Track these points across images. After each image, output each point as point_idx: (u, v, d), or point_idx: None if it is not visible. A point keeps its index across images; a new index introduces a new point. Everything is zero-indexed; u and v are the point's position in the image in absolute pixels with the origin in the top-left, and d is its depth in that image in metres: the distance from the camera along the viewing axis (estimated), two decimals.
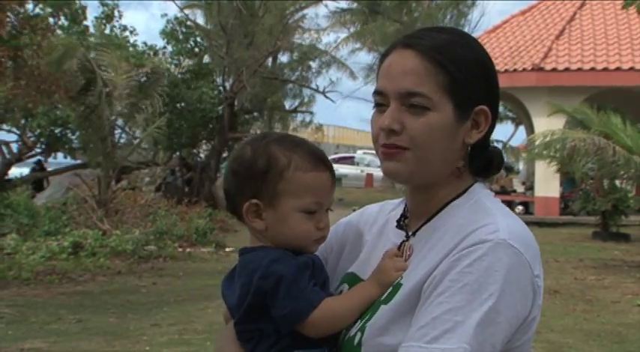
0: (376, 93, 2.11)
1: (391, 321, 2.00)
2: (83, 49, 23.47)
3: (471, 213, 2.05)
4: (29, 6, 20.65)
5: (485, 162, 2.16)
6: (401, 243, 2.17)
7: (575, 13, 30.95)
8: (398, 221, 2.23)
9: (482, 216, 2.02)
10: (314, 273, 2.15)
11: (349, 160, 53.15)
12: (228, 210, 2.29)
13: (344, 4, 45.78)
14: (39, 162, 31.11)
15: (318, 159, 2.22)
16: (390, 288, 2.06)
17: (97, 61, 23.97)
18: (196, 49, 34.92)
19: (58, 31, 24.54)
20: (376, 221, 2.34)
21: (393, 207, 2.33)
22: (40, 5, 21.84)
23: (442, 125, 2.03)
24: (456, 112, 2.04)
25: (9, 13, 19.50)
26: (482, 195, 2.13)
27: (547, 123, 23.25)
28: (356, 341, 2.04)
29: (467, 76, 2.05)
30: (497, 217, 2.01)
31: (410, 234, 2.16)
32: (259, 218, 2.19)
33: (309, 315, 2.05)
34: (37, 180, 31.21)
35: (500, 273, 1.89)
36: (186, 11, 36.63)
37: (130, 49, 29.49)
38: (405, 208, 2.25)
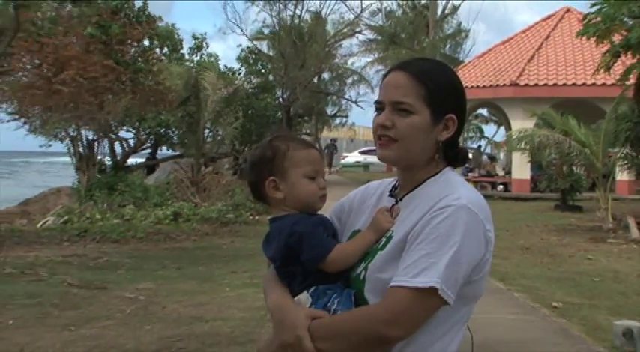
0: (377, 102, 2.25)
1: (385, 262, 2.11)
2: (195, 75, 23.99)
3: (441, 186, 2.16)
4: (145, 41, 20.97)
5: (454, 156, 2.27)
6: (392, 206, 2.27)
7: (542, 43, 30.66)
8: (390, 191, 2.35)
9: (449, 188, 2.13)
10: (325, 227, 2.26)
11: (375, 152, 52.88)
12: (254, 196, 2.38)
13: (371, 36, 45.60)
14: (152, 153, 31.39)
15: (307, 142, 2.40)
16: (384, 239, 2.17)
17: (200, 79, 24.34)
18: (262, 70, 35.07)
19: (162, 58, 24.72)
20: (376, 192, 2.44)
21: (388, 182, 2.42)
22: (151, 39, 22.06)
23: (421, 125, 2.16)
24: (432, 117, 2.17)
25: (130, 46, 19.81)
26: (450, 175, 2.24)
27: (521, 124, 23.07)
28: (361, 277, 2.16)
29: (440, 93, 2.18)
30: (459, 189, 2.13)
31: (398, 200, 2.27)
32: (278, 190, 2.28)
33: (327, 257, 2.15)
34: (150, 166, 31.48)
35: (461, 228, 2.02)
36: (255, 42, 36.72)
37: (215, 71, 29.61)
38: (396, 183, 2.35)
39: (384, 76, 2.29)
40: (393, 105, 2.17)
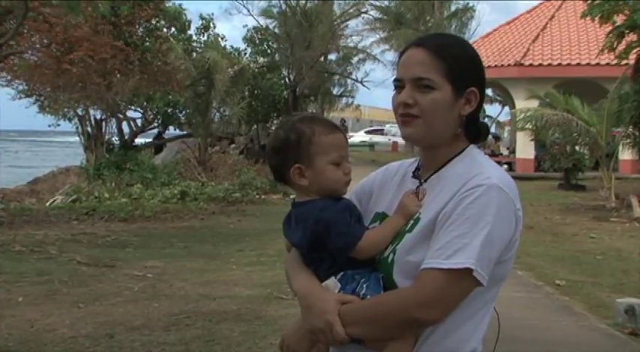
0: (396, 80, 2.16)
1: (414, 245, 2.05)
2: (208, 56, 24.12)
3: (468, 166, 2.09)
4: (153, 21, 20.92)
5: (476, 131, 2.20)
6: (416, 188, 2.19)
7: (546, 24, 30.53)
8: (413, 172, 2.26)
9: (477, 167, 2.07)
10: (351, 213, 2.17)
11: (380, 132, 52.92)
12: (277, 179, 2.29)
13: (377, 16, 45.34)
14: (160, 133, 31.43)
15: (332, 125, 2.26)
16: (412, 221, 2.10)
17: (208, 59, 24.37)
18: (268, 51, 34.96)
19: (170, 38, 24.65)
20: (397, 173, 2.34)
21: (408, 164, 2.34)
22: (158, 19, 22.01)
23: (443, 100, 2.08)
24: (453, 92, 2.10)
25: (138, 26, 19.77)
26: (475, 153, 2.17)
27: (525, 104, 23.02)
28: (389, 259, 2.09)
29: (460, 67, 2.11)
30: (488, 168, 2.07)
31: (423, 181, 2.19)
32: (303, 177, 2.18)
33: (356, 245, 2.08)
34: (158, 146, 31.52)
35: (493, 208, 1.96)
36: (262, 22, 36.64)
37: (222, 51, 29.53)
38: (418, 163, 2.27)
39: (401, 53, 2.21)
40: (413, 82, 2.09)
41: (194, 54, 27.55)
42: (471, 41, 36.26)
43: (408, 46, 2.20)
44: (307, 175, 2.18)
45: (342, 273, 2.11)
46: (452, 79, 2.09)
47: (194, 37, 30.34)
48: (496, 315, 2.22)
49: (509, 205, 2.00)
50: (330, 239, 2.09)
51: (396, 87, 2.16)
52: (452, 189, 2.04)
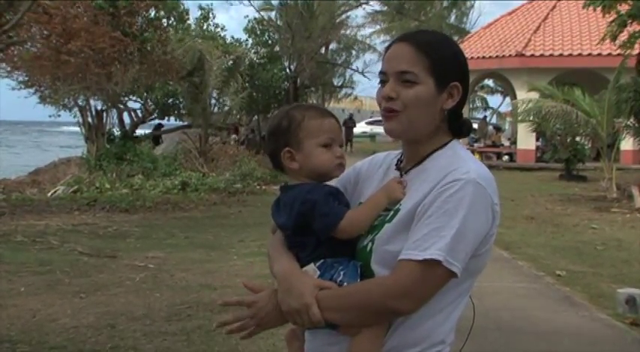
0: (381, 73, 2.22)
1: (393, 235, 2.10)
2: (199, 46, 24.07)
3: (449, 159, 2.14)
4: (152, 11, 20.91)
5: (458, 126, 2.25)
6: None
7: (548, 14, 30.49)
8: (396, 164, 2.32)
9: (458, 161, 2.11)
10: (338, 198, 2.23)
11: (381, 122, 52.70)
12: (273, 165, 2.36)
13: (377, 7, 45.27)
14: (159, 124, 31.37)
15: (324, 110, 2.36)
16: (392, 212, 2.15)
17: (203, 50, 24.31)
18: (269, 41, 34.93)
19: (169, 29, 24.62)
20: (382, 164, 2.40)
21: (394, 155, 2.39)
22: (157, 9, 21.99)
23: (425, 94, 2.14)
24: (436, 86, 2.15)
25: (137, 17, 19.75)
26: (458, 148, 2.22)
27: (527, 95, 22.99)
28: (368, 249, 2.15)
29: (444, 63, 2.16)
30: (468, 162, 2.11)
31: (404, 173, 2.24)
32: (294, 160, 2.25)
33: (338, 224, 2.13)
34: (157, 137, 31.47)
35: (470, 202, 2.01)
36: (262, 13, 36.59)
37: (221, 41, 29.49)
38: (402, 155, 2.32)
39: (387, 48, 2.26)
40: (397, 76, 2.15)
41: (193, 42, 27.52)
42: (472, 31, 36.28)
43: (394, 41, 2.26)
44: (297, 158, 2.26)
45: (322, 261, 2.17)
46: (434, 74, 2.14)
47: (193, 27, 30.33)
48: (472, 305, 2.28)
49: (485, 200, 2.05)
50: (314, 218, 2.15)
51: (381, 81, 2.21)
52: (432, 182, 2.09)
